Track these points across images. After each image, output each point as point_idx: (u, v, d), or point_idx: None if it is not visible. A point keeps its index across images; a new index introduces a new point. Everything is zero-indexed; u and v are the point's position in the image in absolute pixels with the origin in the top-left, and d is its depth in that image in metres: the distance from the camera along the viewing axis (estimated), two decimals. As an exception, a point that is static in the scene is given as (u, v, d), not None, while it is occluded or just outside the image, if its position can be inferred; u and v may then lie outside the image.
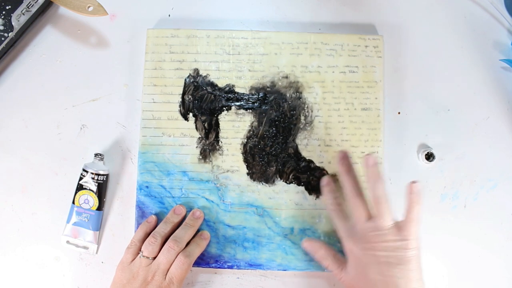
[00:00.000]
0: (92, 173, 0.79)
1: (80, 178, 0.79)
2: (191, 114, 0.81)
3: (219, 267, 0.80)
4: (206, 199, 0.80)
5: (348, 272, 0.74)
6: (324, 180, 0.79)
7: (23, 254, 0.81)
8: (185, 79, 0.82)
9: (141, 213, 0.80)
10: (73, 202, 0.79)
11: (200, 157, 0.81)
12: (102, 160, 0.80)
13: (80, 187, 0.79)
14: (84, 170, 0.79)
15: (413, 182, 0.72)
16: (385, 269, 0.69)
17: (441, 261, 0.82)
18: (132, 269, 0.73)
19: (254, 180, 0.81)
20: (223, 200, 0.80)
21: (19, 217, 0.82)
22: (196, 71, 0.82)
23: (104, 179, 0.80)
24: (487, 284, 0.83)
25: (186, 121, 0.81)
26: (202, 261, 0.79)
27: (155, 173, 0.80)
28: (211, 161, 0.81)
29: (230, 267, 0.79)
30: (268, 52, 0.83)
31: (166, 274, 0.73)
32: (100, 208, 0.80)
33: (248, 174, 0.81)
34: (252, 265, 0.79)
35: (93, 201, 0.79)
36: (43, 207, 0.82)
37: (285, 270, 0.80)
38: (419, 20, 0.87)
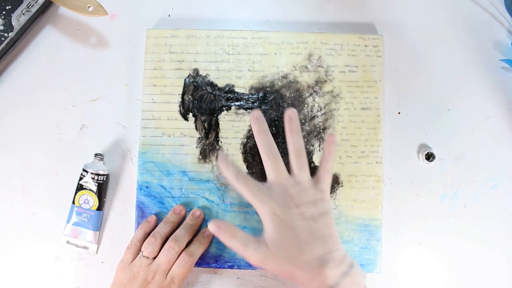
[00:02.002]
0: (92, 173, 0.79)
1: (80, 178, 0.79)
2: (191, 114, 0.81)
3: (219, 267, 0.79)
4: (206, 199, 0.80)
5: (266, 245, 0.68)
6: (221, 156, 0.76)
7: (23, 254, 0.81)
8: (185, 79, 0.82)
9: (141, 213, 0.80)
10: (73, 202, 0.79)
11: (200, 157, 0.81)
12: (102, 160, 0.80)
13: (80, 187, 0.79)
14: (84, 170, 0.79)
15: (330, 134, 0.78)
16: (311, 223, 0.69)
17: (441, 261, 0.82)
18: (132, 269, 0.73)
19: (252, 174, 0.81)
20: (223, 200, 0.80)
21: (19, 217, 0.82)
22: (196, 71, 0.82)
23: (104, 179, 0.80)
24: (487, 284, 0.83)
25: (186, 121, 0.81)
26: (202, 261, 0.79)
27: (155, 173, 0.80)
28: (211, 161, 0.81)
29: (230, 267, 0.79)
30: (268, 52, 0.83)
31: (166, 274, 0.73)
32: (100, 208, 0.80)
33: (248, 174, 0.81)
34: (252, 265, 0.79)
35: (93, 201, 0.79)
36: (43, 207, 0.82)
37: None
38: (419, 20, 0.87)
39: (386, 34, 0.85)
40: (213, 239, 0.79)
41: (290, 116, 0.77)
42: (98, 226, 0.80)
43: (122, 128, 0.83)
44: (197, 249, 0.76)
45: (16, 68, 0.84)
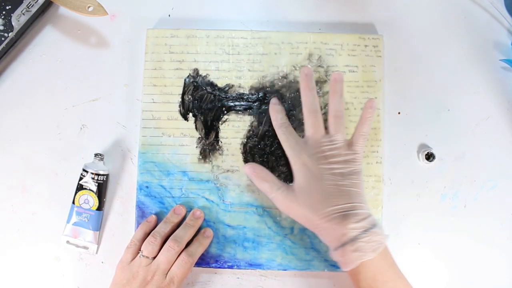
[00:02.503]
0: (92, 173, 0.79)
1: (80, 178, 0.79)
2: (190, 114, 0.81)
3: (219, 267, 0.80)
4: (206, 199, 0.80)
5: (294, 191, 0.74)
6: (273, 101, 0.80)
7: (23, 254, 0.81)
8: (185, 79, 0.82)
9: (141, 213, 0.80)
10: (73, 202, 0.79)
11: (200, 157, 0.81)
12: (102, 160, 0.80)
13: (80, 187, 0.79)
14: (84, 170, 0.79)
15: (370, 99, 0.78)
16: (339, 179, 0.72)
17: (441, 261, 0.82)
18: (132, 269, 0.73)
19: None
20: (223, 200, 0.80)
21: (19, 217, 0.82)
22: (196, 71, 0.82)
23: (104, 179, 0.80)
24: (487, 284, 0.83)
25: (186, 121, 0.81)
26: (202, 261, 0.79)
27: (155, 173, 0.80)
28: (211, 161, 0.81)
29: (230, 267, 0.79)
30: (268, 52, 0.83)
31: (166, 274, 0.73)
32: (100, 208, 0.80)
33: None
34: (252, 265, 0.79)
35: (93, 201, 0.79)
36: (43, 207, 0.82)
37: (285, 269, 0.80)
38: (419, 19, 0.87)
39: (386, 34, 0.85)
40: (214, 240, 0.79)
41: (336, 79, 0.78)
42: (98, 226, 0.80)
43: (122, 128, 0.83)
44: (197, 249, 0.76)
45: (16, 68, 0.84)
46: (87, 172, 0.79)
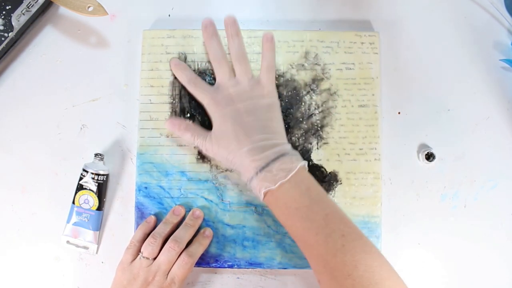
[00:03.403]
0: (92, 173, 0.79)
1: (80, 178, 0.79)
2: (188, 115, 0.81)
3: (219, 267, 0.80)
4: (205, 198, 0.80)
5: (212, 137, 0.76)
6: (173, 61, 0.82)
7: (23, 254, 0.81)
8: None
9: (141, 214, 0.80)
10: (73, 202, 0.79)
11: (198, 157, 0.81)
12: (102, 160, 0.81)
13: (80, 187, 0.79)
14: (84, 170, 0.79)
15: (266, 33, 0.80)
16: (246, 117, 0.75)
17: (441, 261, 0.82)
18: (133, 270, 0.73)
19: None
20: (222, 200, 0.80)
21: (19, 217, 0.82)
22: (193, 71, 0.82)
23: (104, 179, 0.80)
24: (487, 284, 0.82)
25: (183, 121, 0.81)
26: (202, 261, 0.79)
27: (153, 173, 0.80)
28: (209, 161, 0.81)
29: (230, 266, 0.79)
30: (265, 51, 0.83)
31: (167, 275, 0.73)
32: (100, 208, 0.80)
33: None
34: (252, 264, 0.79)
35: (93, 201, 0.79)
36: (43, 207, 0.82)
37: (285, 268, 0.79)
38: (419, 20, 0.87)
39: (385, 33, 0.85)
40: (213, 239, 0.79)
41: (229, 22, 0.79)
42: (98, 226, 0.81)
43: (122, 128, 0.83)
44: (197, 249, 0.76)
45: (16, 68, 0.84)
46: (87, 172, 0.79)
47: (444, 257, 0.82)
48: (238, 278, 0.82)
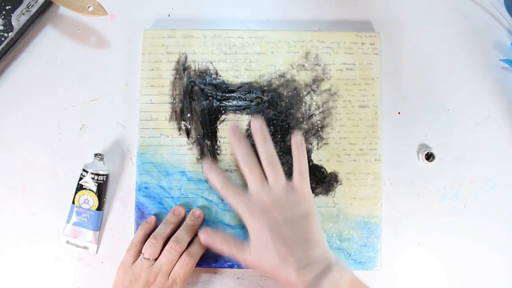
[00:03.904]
0: (92, 173, 0.79)
1: (80, 178, 0.79)
2: (188, 115, 0.81)
3: (219, 267, 0.80)
4: (205, 199, 0.80)
5: (251, 249, 0.72)
6: (206, 165, 0.78)
7: (23, 254, 0.81)
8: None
9: (141, 214, 0.80)
10: (73, 202, 0.79)
11: (199, 157, 0.81)
12: (102, 160, 0.81)
13: (80, 187, 0.79)
14: (84, 170, 0.79)
15: (295, 135, 0.78)
16: (285, 230, 0.70)
17: (441, 261, 0.82)
18: (134, 271, 0.73)
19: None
20: (222, 200, 0.80)
21: (19, 217, 0.82)
22: (193, 71, 0.82)
23: (104, 179, 0.80)
24: (487, 284, 0.82)
25: (184, 121, 0.81)
26: (202, 261, 0.79)
27: (153, 173, 0.80)
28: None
29: (230, 266, 0.79)
30: (265, 51, 0.83)
31: (168, 275, 0.73)
32: (100, 208, 0.80)
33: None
34: (252, 264, 0.79)
35: (93, 201, 0.79)
36: (43, 207, 0.82)
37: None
38: (419, 19, 0.87)
39: (385, 33, 0.85)
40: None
41: (256, 126, 0.77)
42: (98, 226, 0.81)
43: (122, 128, 0.83)
44: (198, 249, 0.76)
45: (16, 68, 0.84)
46: (87, 172, 0.79)
47: (444, 257, 0.82)
48: (238, 278, 0.82)
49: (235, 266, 0.79)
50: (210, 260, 0.79)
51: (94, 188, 0.79)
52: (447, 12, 0.87)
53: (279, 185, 0.74)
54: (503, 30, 0.87)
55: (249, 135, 0.81)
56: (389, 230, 0.82)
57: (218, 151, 0.81)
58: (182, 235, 0.76)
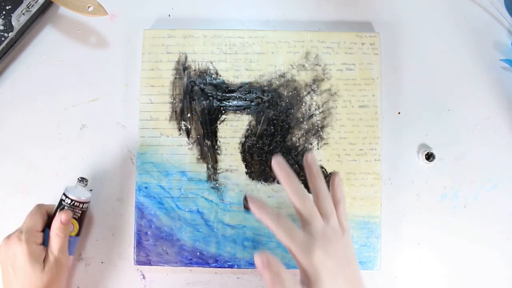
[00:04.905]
0: (73, 200, 0.76)
1: (60, 202, 0.76)
2: (188, 115, 0.81)
3: (219, 267, 0.79)
4: (205, 198, 0.80)
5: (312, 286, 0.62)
6: (251, 200, 0.67)
7: (23, 253, 0.81)
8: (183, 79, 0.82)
9: (141, 214, 0.80)
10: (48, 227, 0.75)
11: (199, 157, 0.81)
12: (86, 186, 0.78)
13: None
14: (65, 195, 0.76)
15: (334, 174, 0.72)
16: (347, 270, 0.65)
17: (441, 261, 0.82)
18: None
19: (253, 179, 0.81)
20: (222, 200, 0.80)
21: (19, 217, 0.82)
22: (193, 71, 0.82)
23: (86, 206, 0.78)
24: (487, 284, 0.83)
25: (184, 121, 0.81)
26: (202, 261, 0.79)
27: (153, 173, 0.80)
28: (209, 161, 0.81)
29: (230, 266, 0.79)
30: (265, 51, 0.83)
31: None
32: (78, 233, 0.78)
33: (247, 173, 0.81)
34: (252, 264, 0.79)
35: (73, 226, 0.77)
36: (43, 207, 0.82)
37: (286, 268, 0.79)
38: (419, 19, 0.87)
39: (385, 33, 0.85)
40: (213, 239, 0.79)
41: (310, 162, 0.70)
42: (73, 250, 0.78)
43: (122, 128, 0.83)
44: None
45: (16, 68, 0.84)
46: (67, 197, 0.76)
47: (444, 257, 0.82)
48: (238, 278, 0.82)
49: (235, 266, 0.79)
50: (210, 259, 0.79)
51: (77, 215, 0.77)
52: (447, 12, 0.87)
53: (336, 225, 0.67)
54: (503, 30, 0.87)
55: (251, 134, 0.81)
56: (389, 230, 0.82)
57: (218, 151, 0.81)
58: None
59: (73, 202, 0.76)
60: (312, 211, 0.66)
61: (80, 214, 0.77)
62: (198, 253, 0.79)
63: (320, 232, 0.65)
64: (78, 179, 0.78)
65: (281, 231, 0.64)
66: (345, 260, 0.65)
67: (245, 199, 0.68)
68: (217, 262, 0.79)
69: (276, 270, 0.61)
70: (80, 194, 0.77)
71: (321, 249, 0.63)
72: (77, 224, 0.77)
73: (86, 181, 0.78)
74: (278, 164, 0.67)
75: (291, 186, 0.66)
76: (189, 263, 0.79)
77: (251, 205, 0.66)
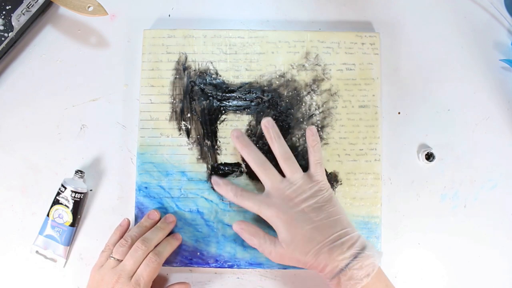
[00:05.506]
0: (71, 190, 0.79)
1: (58, 193, 0.79)
2: (188, 115, 0.81)
3: (219, 267, 0.79)
4: (205, 198, 0.80)
5: (283, 243, 0.71)
6: (215, 181, 0.79)
7: (23, 254, 0.81)
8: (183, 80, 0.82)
9: (141, 214, 0.80)
10: (48, 215, 0.79)
11: (199, 157, 0.81)
12: (83, 177, 0.81)
13: (56, 201, 0.79)
14: (63, 185, 0.79)
15: (309, 128, 0.78)
16: (313, 215, 0.72)
17: (441, 261, 0.82)
18: (101, 272, 0.73)
19: (253, 179, 0.81)
20: (222, 200, 0.80)
21: (19, 217, 0.82)
22: (193, 71, 0.82)
23: (82, 197, 0.80)
24: (487, 284, 0.82)
25: (184, 121, 0.81)
26: (202, 261, 0.79)
27: (153, 173, 0.80)
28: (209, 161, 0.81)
29: (230, 266, 0.79)
30: (265, 51, 0.83)
31: (132, 276, 0.72)
32: (73, 224, 0.80)
33: (246, 173, 0.81)
34: (252, 264, 0.79)
35: (68, 216, 0.79)
36: (43, 207, 0.82)
37: (285, 268, 0.80)
38: (419, 19, 0.87)
39: (385, 33, 0.85)
40: (213, 239, 0.80)
41: (266, 126, 0.77)
42: (69, 241, 0.80)
43: (122, 128, 0.83)
44: (165, 248, 0.75)
45: (16, 68, 0.84)
46: (65, 188, 0.79)
47: (444, 257, 0.82)
48: (238, 278, 0.82)
49: (235, 266, 0.79)
50: (210, 260, 0.79)
51: (71, 205, 0.79)
52: (447, 12, 0.87)
53: (298, 177, 0.75)
54: (503, 30, 0.87)
55: (251, 134, 0.81)
56: (389, 230, 0.82)
57: (218, 151, 0.81)
58: (150, 236, 0.75)
59: (71, 192, 0.79)
60: (266, 173, 0.76)
61: (74, 204, 0.79)
62: (198, 253, 0.79)
63: (274, 190, 0.75)
64: (75, 171, 0.80)
65: (245, 200, 0.75)
66: (311, 207, 0.73)
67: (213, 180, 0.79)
68: (217, 262, 0.79)
69: (251, 230, 0.75)
70: (77, 185, 0.79)
71: (274, 205, 0.73)
72: (71, 215, 0.79)
73: (83, 174, 0.80)
74: (237, 137, 0.77)
75: (249, 154, 0.76)
76: (189, 263, 0.79)
77: (215, 187, 0.79)
